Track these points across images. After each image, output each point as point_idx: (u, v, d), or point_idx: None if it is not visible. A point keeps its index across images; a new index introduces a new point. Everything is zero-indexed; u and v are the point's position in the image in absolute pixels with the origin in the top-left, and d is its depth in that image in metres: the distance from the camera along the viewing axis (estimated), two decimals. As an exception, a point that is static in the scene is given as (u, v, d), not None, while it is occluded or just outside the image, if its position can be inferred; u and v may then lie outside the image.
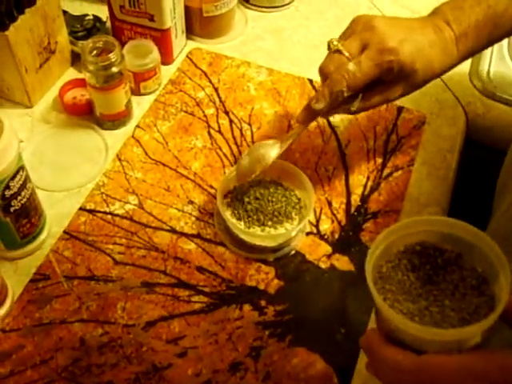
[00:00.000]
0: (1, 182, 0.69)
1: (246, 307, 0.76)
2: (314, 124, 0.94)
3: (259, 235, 0.79)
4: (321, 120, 0.94)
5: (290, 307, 0.77)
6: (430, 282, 0.53)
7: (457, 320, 0.50)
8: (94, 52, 0.88)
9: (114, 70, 0.86)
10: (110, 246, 0.81)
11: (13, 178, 0.70)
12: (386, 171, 0.89)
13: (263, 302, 0.77)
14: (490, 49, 1.07)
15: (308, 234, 0.83)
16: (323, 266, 0.80)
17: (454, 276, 0.53)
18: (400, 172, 0.90)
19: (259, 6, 1.11)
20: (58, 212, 0.84)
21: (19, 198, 0.73)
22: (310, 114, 0.76)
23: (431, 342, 0.48)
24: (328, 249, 0.81)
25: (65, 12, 0.98)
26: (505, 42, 1.09)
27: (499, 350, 0.48)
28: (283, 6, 1.12)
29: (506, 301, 0.48)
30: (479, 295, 0.51)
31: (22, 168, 0.72)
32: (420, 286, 0.53)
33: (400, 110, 0.97)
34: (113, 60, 0.85)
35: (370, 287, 0.50)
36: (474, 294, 0.51)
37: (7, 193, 0.71)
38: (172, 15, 0.96)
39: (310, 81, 1.00)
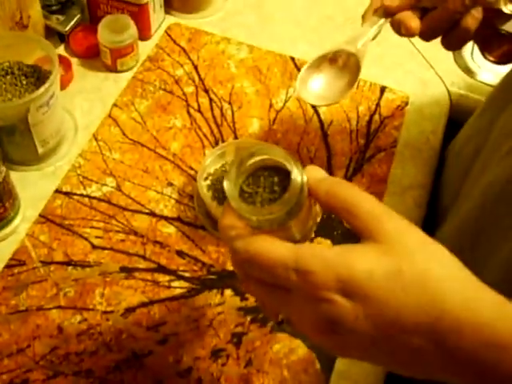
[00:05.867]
0: (-27, 166, 0.67)
1: (228, 292, 0.75)
2: (296, 104, 0.92)
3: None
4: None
5: (272, 292, 0.75)
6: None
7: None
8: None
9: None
10: (88, 230, 0.79)
11: (-15, 161, 0.68)
12: (369, 153, 0.88)
13: (245, 288, 0.76)
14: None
15: (290, 217, 0.81)
16: (305, 249, 0.79)
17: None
18: (383, 154, 0.88)
19: (240, -20, 1.08)
20: (32, 195, 0.81)
21: (-8, 181, 0.71)
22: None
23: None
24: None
25: (37, -16, 0.95)
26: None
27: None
28: (264, -21, 1.09)
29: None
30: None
31: (-6, 151, 0.69)
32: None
33: (383, 89, 0.95)
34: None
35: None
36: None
37: (-20, 177, 0.69)
38: (150, -11, 0.93)
39: (292, 59, 0.97)
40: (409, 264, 0.40)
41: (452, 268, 0.41)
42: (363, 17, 0.67)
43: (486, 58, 0.69)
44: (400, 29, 0.64)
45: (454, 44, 0.66)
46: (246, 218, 0.46)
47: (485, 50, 0.67)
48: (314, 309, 0.41)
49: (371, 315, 0.40)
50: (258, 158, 0.47)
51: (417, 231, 0.43)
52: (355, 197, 0.43)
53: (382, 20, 0.65)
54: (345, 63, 0.66)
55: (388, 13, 0.64)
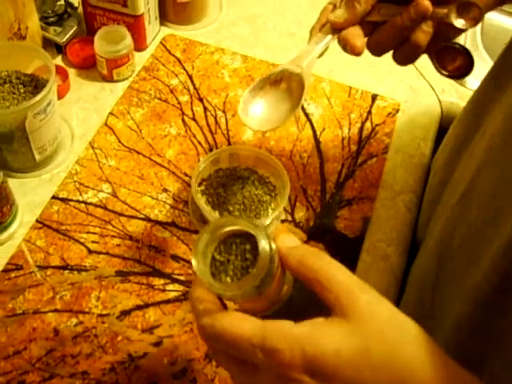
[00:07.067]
0: (-29, 170, 0.68)
1: (222, 295, 0.76)
2: (288, 111, 0.94)
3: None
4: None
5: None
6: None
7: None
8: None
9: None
10: (84, 235, 0.80)
11: (-17, 166, 0.69)
12: (361, 159, 0.90)
13: (239, 290, 0.77)
14: (463, 37, 1.08)
15: (283, 221, 0.83)
16: (298, 253, 0.80)
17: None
18: (374, 159, 0.90)
19: (234, -8, 1.10)
20: (30, 201, 0.82)
21: (-10, 186, 0.72)
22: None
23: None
24: (303, 236, 0.81)
25: (35, -3, 0.97)
26: (478, 30, 1.09)
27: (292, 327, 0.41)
28: (258, -8, 1.11)
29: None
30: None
31: (-8, 156, 0.71)
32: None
33: (374, 97, 0.97)
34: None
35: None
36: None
37: (-22, 182, 0.70)
38: (145, 1, 0.95)
39: (285, 68, 0.99)
40: (377, 344, 0.39)
41: (422, 346, 0.40)
42: (310, 32, 0.65)
43: (440, 72, 0.67)
44: (346, 47, 0.61)
45: (405, 59, 0.63)
46: (215, 293, 0.45)
47: (438, 63, 0.66)
48: None
49: None
50: (227, 229, 0.46)
51: (387, 306, 0.42)
52: (327, 269, 0.42)
53: (329, 37, 0.62)
54: (288, 84, 0.63)
55: (335, 29, 0.61)
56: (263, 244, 0.43)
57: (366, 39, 0.61)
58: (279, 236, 0.46)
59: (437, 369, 0.39)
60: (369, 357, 0.39)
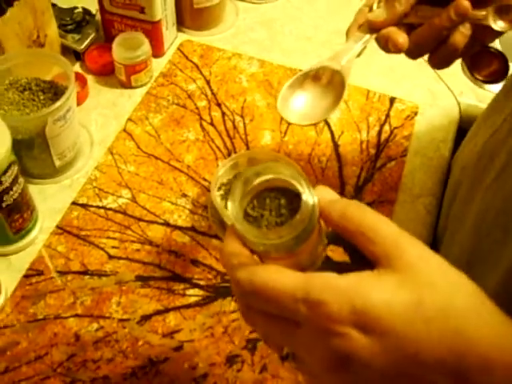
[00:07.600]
0: (-8, 177, 0.69)
1: (242, 300, 0.76)
2: (306, 115, 0.93)
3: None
4: (313, 111, 0.93)
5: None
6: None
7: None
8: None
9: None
10: (104, 241, 0.80)
11: (4, 173, 0.70)
12: (380, 162, 0.89)
13: (259, 295, 0.76)
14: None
15: (302, 225, 0.82)
16: (318, 257, 0.80)
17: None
18: (393, 163, 0.89)
19: (250, -2, 1.11)
20: (50, 207, 0.83)
21: (11, 192, 0.72)
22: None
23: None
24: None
25: (54, 5, 0.97)
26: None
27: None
28: (274, -3, 1.11)
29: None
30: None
31: (13, 163, 0.71)
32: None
33: (392, 100, 0.97)
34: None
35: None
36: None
37: (-1, 188, 0.70)
38: (162, 7, 0.95)
39: (302, 72, 0.99)
40: (430, 295, 0.37)
41: (476, 300, 0.37)
42: (347, 32, 0.64)
43: (474, 76, 0.65)
44: (387, 45, 0.60)
45: (441, 62, 0.62)
46: (250, 243, 0.42)
47: (473, 68, 0.64)
48: (325, 344, 0.37)
49: (389, 351, 0.36)
50: (264, 178, 0.43)
51: (437, 258, 0.39)
52: (372, 220, 0.40)
53: (367, 36, 0.62)
54: (329, 81, 0.63)
55: (373, 28, 0.61)
56: (307, 193, 0.40)
57: (407, 37, 0.60)
58: (319, 189, 0.42)
59: (493, 322, 0.37)
60: (421, 309, 0.36)
